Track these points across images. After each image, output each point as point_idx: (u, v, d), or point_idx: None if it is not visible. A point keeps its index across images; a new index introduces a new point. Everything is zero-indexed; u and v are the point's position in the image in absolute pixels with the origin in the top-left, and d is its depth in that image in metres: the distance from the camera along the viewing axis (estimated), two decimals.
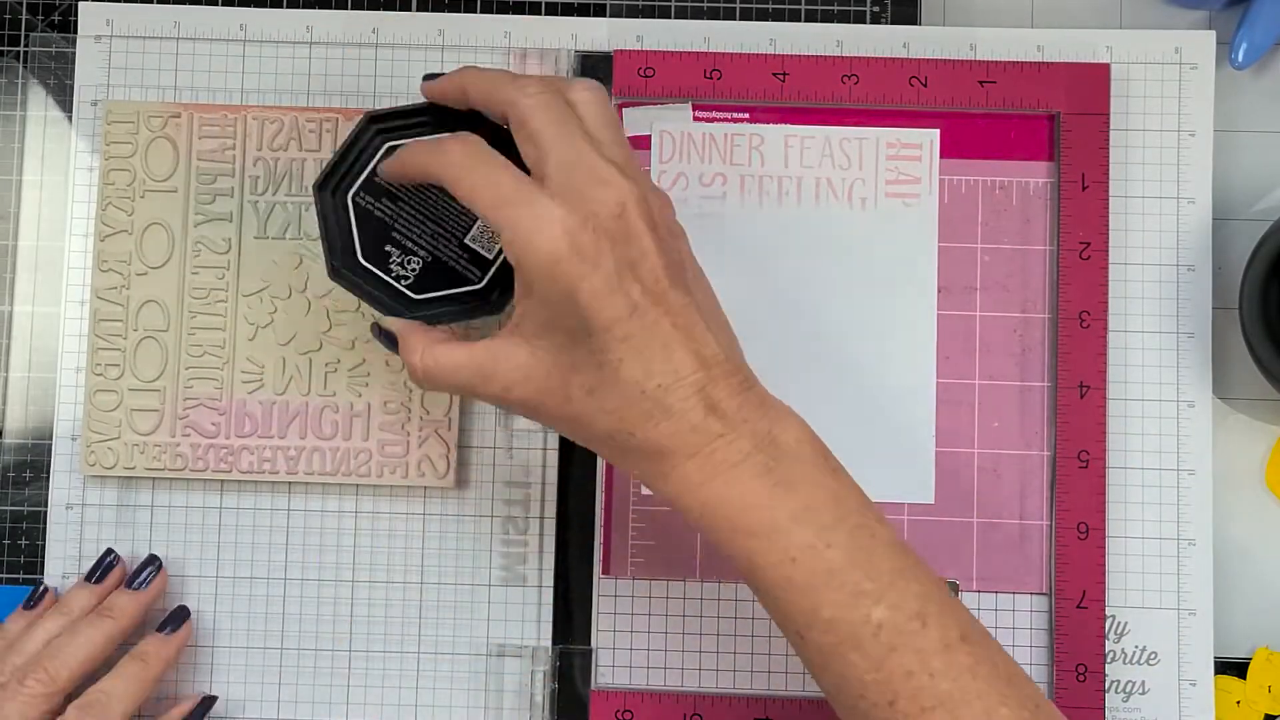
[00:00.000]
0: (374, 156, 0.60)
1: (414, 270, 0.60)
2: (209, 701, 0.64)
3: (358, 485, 0.66)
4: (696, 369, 0.52)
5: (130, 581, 0.64)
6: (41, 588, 0.64)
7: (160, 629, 0.64)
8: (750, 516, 0.52)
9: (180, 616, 0.64)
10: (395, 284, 0.60)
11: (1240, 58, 0.66)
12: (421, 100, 0.60)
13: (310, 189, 0.60)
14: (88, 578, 0.64)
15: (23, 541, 0.67)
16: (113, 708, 0.60)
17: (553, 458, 0.66)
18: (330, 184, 0.60)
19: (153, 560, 0.65)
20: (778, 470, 0.52)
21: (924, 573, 0.53)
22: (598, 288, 0.51)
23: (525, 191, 0.52)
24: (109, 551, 0.65)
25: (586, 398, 0.53)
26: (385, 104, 0.67)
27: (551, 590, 0.66)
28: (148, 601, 0.64)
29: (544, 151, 0.53)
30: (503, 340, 0.55)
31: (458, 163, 0.54)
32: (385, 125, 0.60)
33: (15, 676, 0.60)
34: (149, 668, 0.62)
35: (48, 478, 0.67)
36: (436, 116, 0.60)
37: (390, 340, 0.59)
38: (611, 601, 0.66)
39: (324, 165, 0.60)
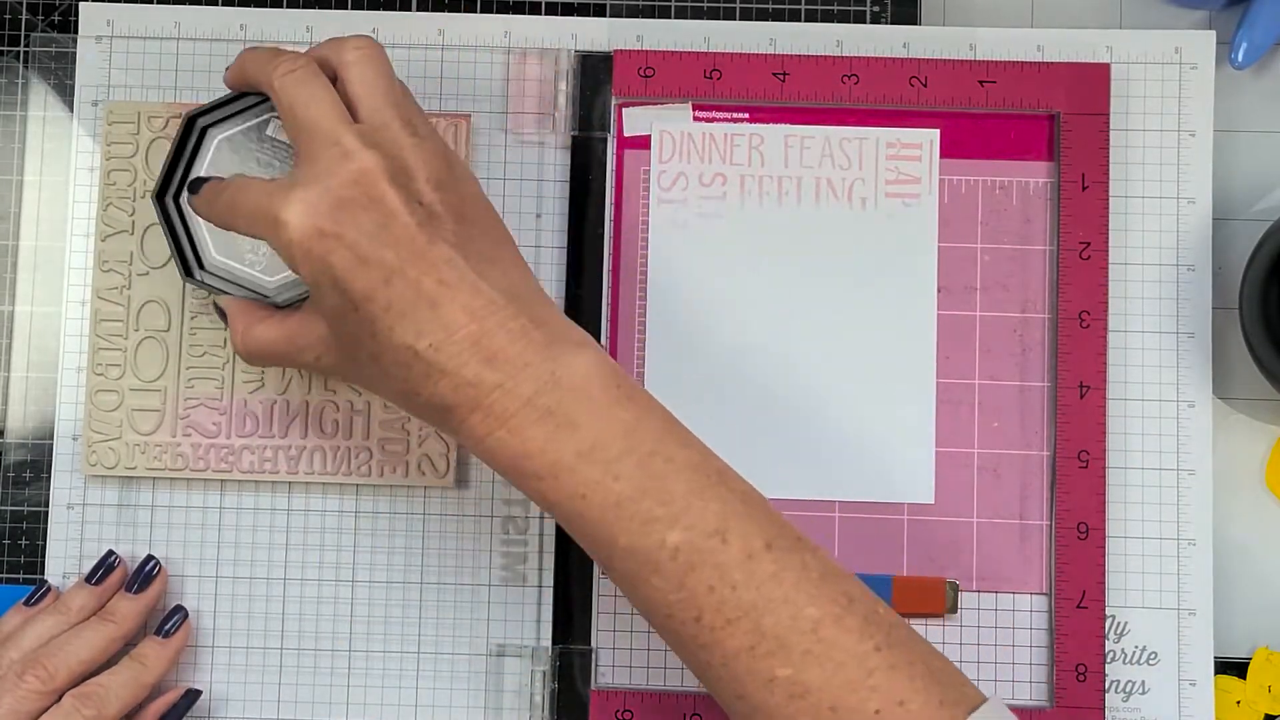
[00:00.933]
0: (208, 154, 0.61)
1: (266, 254, 0.61)
2: (193, 695, 0.64)
3: (358, 485, 0.66)
4: (468, 322, 0.52)
5: (130, 584, 0.64)
6: (45, 586, 0.65)
7: (158, 632, 0.64)
8: (534, 462, 0.52)
9: (178, 619, 0.64)
10: (251, 272, 0.61)
11: (1240, 58, 0.66)
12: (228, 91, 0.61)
13: (150, 200, 0.61)
14: (88, 579, 0.64)
15: (23, 541, 0.67)
16: (109, 702, 0.60)
17: None
18: (169, 191, 0.61)
19: (150, 560, 0.65)
20: (559, 412, 0.52)
21: (728, 490, 0.53)
22: (347, 261, 0.52)
23: (271, 197, 0.53)
24: (110, 553, 0.65)
25: (372, 364, 0.53)
26: None
27: (551, 590, 0.66)
28: (148, 606, 0.64)
29: (295, 134, 0.54)
30: (306, 314, 0.56)
31: (221, 207, 0.57)
32: (209, 120, 0.61)
33: (13, 670, 0.60)
34: (147, 670, 0.62)
35: (48, 478, 0.67)
36: (254, 99, 0.61)
37: (225, 317, 0.60)
38: (611, 601, 0.66)
39: (158, 175, 0.61)
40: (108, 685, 0.61)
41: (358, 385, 0.56)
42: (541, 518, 0.66)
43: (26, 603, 0.64)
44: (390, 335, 0.52)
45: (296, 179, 0.53)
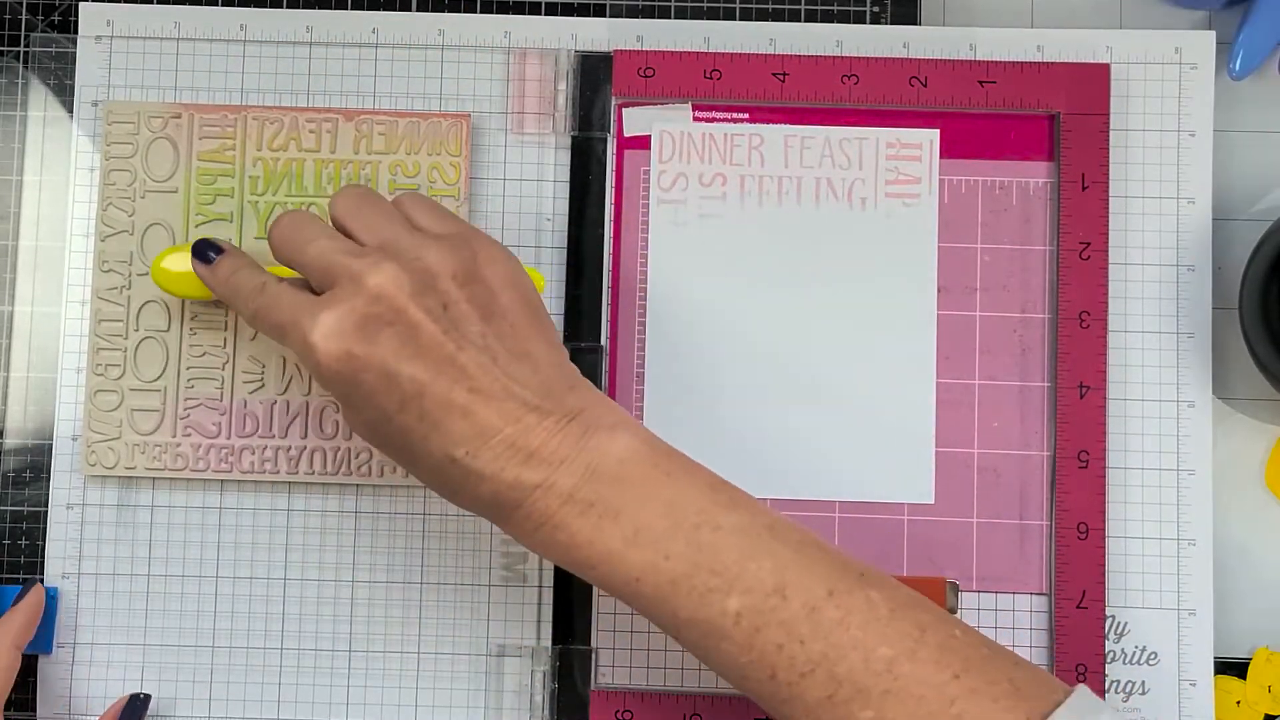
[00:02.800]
0: None
1: None
2: (139, 700, 0.64)
3: (358, 485, 0.66)
4: (502, 426, 0.52)
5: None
6: None
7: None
8: (583, 553, 0.53)
9: (27, 585, 0.64)
10: None
11: (1238, 66, 0.66)
12: None
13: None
14: None
15: (23, 541, 0.67)
16: None
17: None
18: None
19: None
20: (600, 503, 0.52)
21: (779, 544, 0.53)
22: (376, 380, 0.52)
23: (299, 318, 0.53)
24: None
25: (411, 465, 0.54)
26: (384, 104, 0.67)
27: (551, 590, 0.66)
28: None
29: (307, 271, 0.55)
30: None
31: (246, 309, 0.57)
32: None
33: None
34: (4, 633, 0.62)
35: (48, 478, 0.67)
36: None
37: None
38: (611, 601, 0.66)
39: None
40: None
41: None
42: None
43: None
44: (426, 444, 0.52)
45: (322, 300, 0.53)
